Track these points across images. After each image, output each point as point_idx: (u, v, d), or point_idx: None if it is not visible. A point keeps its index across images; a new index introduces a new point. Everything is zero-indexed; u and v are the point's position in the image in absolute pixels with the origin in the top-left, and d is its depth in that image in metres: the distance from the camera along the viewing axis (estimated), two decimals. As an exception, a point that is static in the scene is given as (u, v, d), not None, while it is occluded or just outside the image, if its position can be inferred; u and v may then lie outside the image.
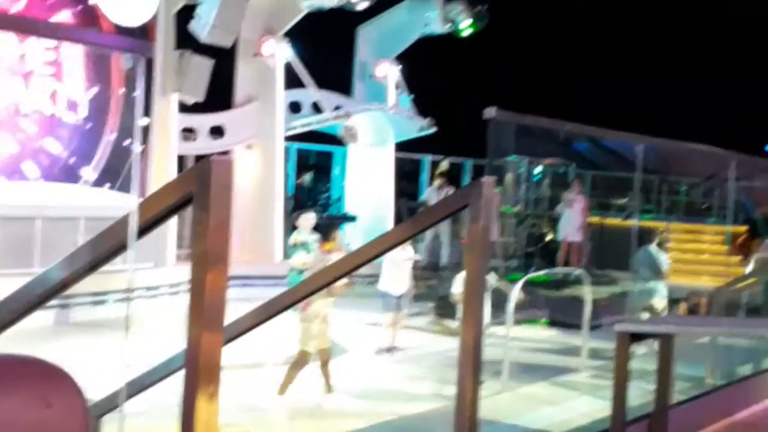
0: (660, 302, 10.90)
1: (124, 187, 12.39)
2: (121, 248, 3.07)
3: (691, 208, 19.59)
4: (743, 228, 15.48)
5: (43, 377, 2.05)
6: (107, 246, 3.14)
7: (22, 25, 11.06)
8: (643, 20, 27.23)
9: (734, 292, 10.26)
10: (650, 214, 17.60)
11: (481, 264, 4.17)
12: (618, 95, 24.63)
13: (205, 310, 2.69)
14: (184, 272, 12.62)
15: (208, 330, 2.69)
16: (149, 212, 2.99)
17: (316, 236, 10.50)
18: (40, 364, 2.07)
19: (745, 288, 10.66)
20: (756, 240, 14.77)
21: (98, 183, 12.36)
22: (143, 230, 2.99)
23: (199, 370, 2.64)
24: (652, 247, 11.37)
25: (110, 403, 3.98)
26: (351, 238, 16.24)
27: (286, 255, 12.03)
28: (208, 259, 2.70)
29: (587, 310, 9.86)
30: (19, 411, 1.93)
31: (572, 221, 16.20)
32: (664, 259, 11.35)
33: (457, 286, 9.53)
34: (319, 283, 4.79)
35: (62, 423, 1.99)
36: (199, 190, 2.73)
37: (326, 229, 9.93)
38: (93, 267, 3.18)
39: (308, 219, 10.64)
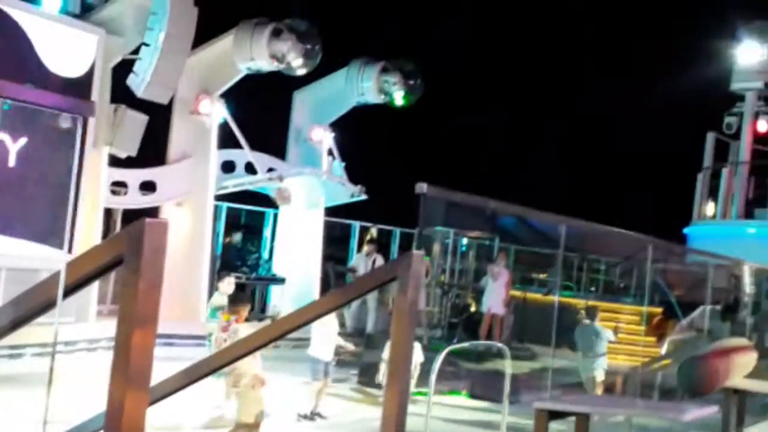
0: (601, 375, 11.18)
1: (50, 240, 12.18)
2: (47, 306, 3.07)
3: (609, 287, 20.10)
4: (659, 309, 15.91)
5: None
6: (33, 303, 3.13)
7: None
8: (565, 110, 28.22)
9: (649, 373, 10.53)
10: (570, 291, 17.98)
11: (408, 336, 4.26)
12: (542, 175, 25.38)
13: (130, 373, 2.68)
14: (103, 328, 12.43)
15: (132, 394, 2.68)
16: (78, 272, 2.99)
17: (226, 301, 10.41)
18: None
19: (660, 369, 10.94)
20: (670, 322, 15.21)
21: (24, 235, 12.13)
22: (70, 290, 2.99)
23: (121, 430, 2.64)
24: (596, 323, 11.74)
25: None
26: (279, 300, 16.17)
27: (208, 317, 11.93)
28: (135, 321, 2.70)
29: (507, 384, 9.98)
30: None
31: (496, 294, 16.44)
32: (609, 334, 11.75)
33: (387, 353, 9.56)
34: (246, 348, 4.80)
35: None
36: (130, 252, 2.74)
37: (235, 299, 9.82)
38: (18, 324, 3.16)
39: (229, 283, 10.57)
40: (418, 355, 10.67)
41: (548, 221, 10.88)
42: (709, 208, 21.37)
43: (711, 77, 21.93)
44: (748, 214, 20.94)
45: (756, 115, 21.29)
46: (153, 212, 15.05)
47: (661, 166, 25.72)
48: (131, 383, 2.67)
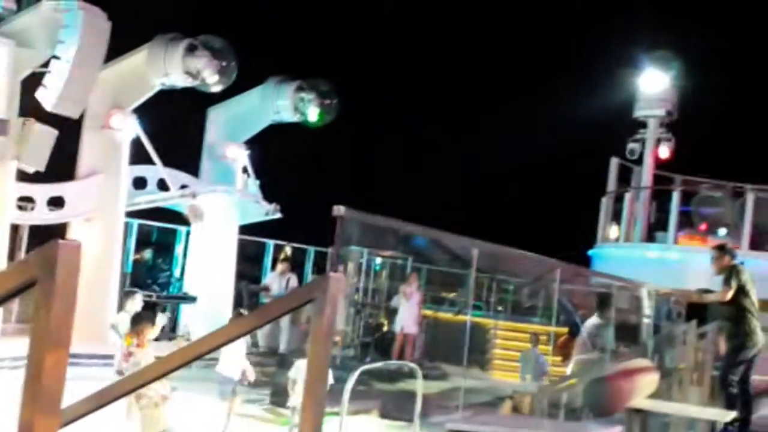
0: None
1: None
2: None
3: (518, 307, 20.53)
4: (565, 329, 16.31)
5: None
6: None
7: None
8: (473, 133, 28.81)
9: (556, 393, 10.80)
10: (480, 310, 18.31)
11: (325, 358, 4.31)
12: (453, 197, 25.84)
13: (42, 396, 2.68)
14: (7, 348, 12.05)
15: (43, 417, 2.68)
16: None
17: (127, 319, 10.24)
18: None
19: (566, 389, 11.23)
20: (576, 341, 15.60)
21: None
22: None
23: (31, 458, 2.62)
24: (537, 349, 11.98)
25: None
26: (190, 319, 15.98)
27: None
28: (48, 344, 2.70)
29: (418, 403, 10.09)
30: None
31: (408, 313, 16.61)
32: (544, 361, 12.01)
33: (295, 371, 9.58)
34: (158, 372, 4.77)
35: None
36: (43, 275, 2.74)
37: (137, 318, 9.58)
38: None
39: (136, 302, 10.41)
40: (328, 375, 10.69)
41: (461, 244, 11.10)
42: (613, 231, 22.05)
43: (616, 103, 22.72)
44: (650, 238, 21.70)
45: (658, 142, 22.10)
46: (61, 228, 14.71)
47: (567, 190, 26.47)
48: (43, 406, 2.66)
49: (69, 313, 2.76)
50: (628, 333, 13.76)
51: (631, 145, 22.13)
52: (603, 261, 20.96)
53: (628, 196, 22.04)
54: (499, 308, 20.11)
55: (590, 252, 22.12)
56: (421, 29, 28.70)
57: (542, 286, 18.58)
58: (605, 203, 22.11)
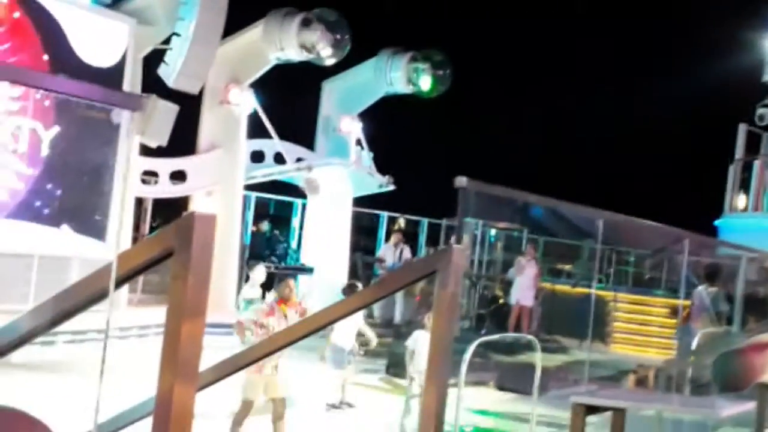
0: None
1: (81, 228, 12.27)
2: (99, 298, 3.09)
3: (639, 279, 19.96)
4: (691, 302, 15.75)
5: (25, 429, 2.07)
6: (84, 295, 3.15)
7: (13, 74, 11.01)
8: (599, 101, 28.01)
9: (681, 366, 10.45)
10: (600, 283, 17.87)
11: (449, 330, 4.24)
12: (575, 167, 25.25)
13: (179, 363, 2.70)
14: (134, 317, 12.50)
15: (181, 383, 2.70)
16: (128, 264, 3.00)
17: (260, 292, 10.43)
18: (21, 416, 2.09)
19: (692, 363, 10.86)
20: (702, 315, 15.06)
21: (55, 222, 12.23)
22: (121, 281, 3.01)
23: (170, 421, 2.66)
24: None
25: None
26: (306, 290, 16.20)
27: (237, 306, 11.98)
28: (185, 313, 2.72)
29: (537, 376, 9.94)
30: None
31: (524, 286, 16.38)
32: None
33: (413, 342, 9.57)
34: (282, 342, 4.80)
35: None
36: (180, 246, 2.75)
37: (280, 284, 9.79)
38: (67, 315, 3.18)
39: (260, 272, 10.60)
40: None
41: (583, 214, 10.81)
42: (741, 201, 21.13)
43: (743, 68, 21.67)
44: (779, 207, 20.67)
45: (786, 108, 20.98)
46: (183, 202, 15.13)
47: (692, 158, 25.51)
48: (181, 373, 2.68)
49: (204, 283, 2.77)
50: (757, 306, 13.20)
51: (760, 111, 21.08)
52: (730, 232, 20.10)
53: (757, 163, 21.03)
54: (620, 280, 19.60)
55: (716, 222, 21.27)
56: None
57: (665, 258, 18.02)
58: (732, 172, 21.16)
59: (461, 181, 5.19)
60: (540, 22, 28.17)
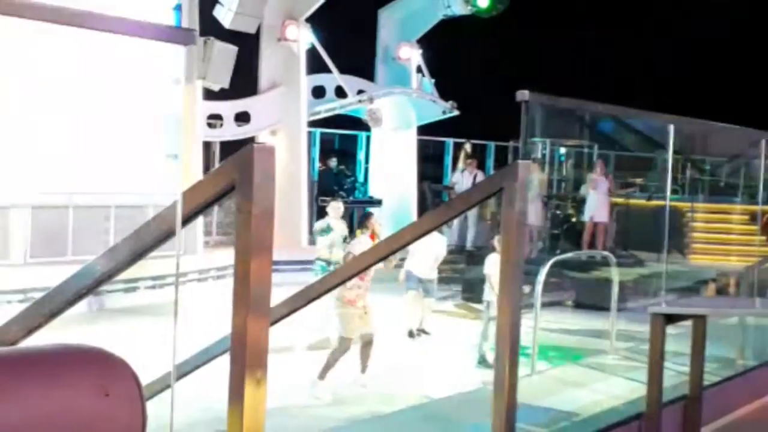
0: None
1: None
2: (167, 236, 3.11)
3: (716, 187, 19.47)
4: (771, 207, 15.34)
5: (102, 366, 2.09)
6: (153, 234, 3.18)
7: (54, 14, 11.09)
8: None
9: (764, 272, 10.20)
10: (675, 194, 17.50)
11: (518, 246, 4.19)
12: (640, 73, 24.45)
13: (251, 297, 2.72)
14: (211, 259, 12.75)
15: (254, 317, 2.73)
16: (193, 201, 3.02)
17: (343, 224, 10.55)
18: (99, 353, 2.11)
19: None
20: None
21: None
22: (187, 219, 3.03)
23: (246, 355, 2.69)
24: None
25: (157, 387, 4.03)
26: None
27: (312, 241, 12.09)
28: (252, 246, 2.73)
29: (614, 292, 9.84)
30: (79, 399, 1.97)
31: (597, 202, 16.14)
32: None
33: (489, 266, 9.55)
34: (356, 268, 4.84)
35: (119, 411, 2.04)
36: (241, 179, 2.75)
37: (361, 218, 9.92)
38: (139, 255, 3.22)
39: (336, 208, 10.67)
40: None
41: (653, 121, 10.50)
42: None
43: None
44: None
45: None
46: (249, 143, 15.21)
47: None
48: (252, 306, 2.71)
49: (268, 214, 2.77)
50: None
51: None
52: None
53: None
54: (696, 189, 19.13)
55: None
56: None
57: (741, 164, 17.51)
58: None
59: (523, 94, 5.07)
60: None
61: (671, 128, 7.40)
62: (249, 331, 2.73)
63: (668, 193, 10.28)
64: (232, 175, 2.85)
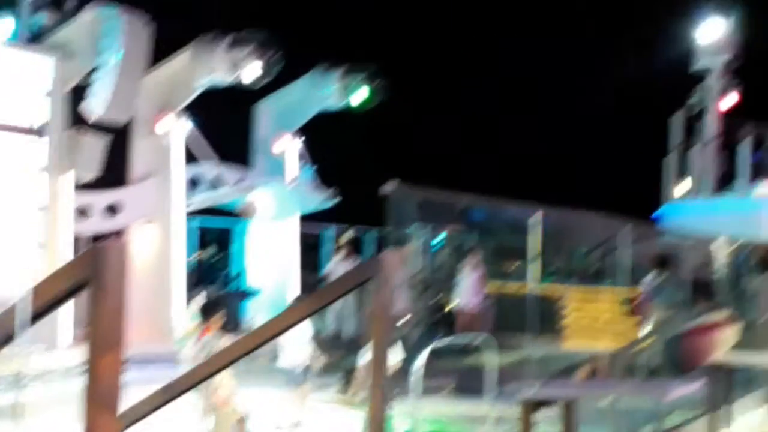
0: None
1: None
2: (11, 335, 2.98)
3: (588, 272, 20.14)
4: (639, 290, 15.94)
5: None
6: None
7: None
8: (531, 99, 28.32)
9: (633, 355, 10.53)
10: (549, 278, 17.99)
11: (386, 336, 4.20)
12: (512, 166, 25.44)
13: (101, 395, 2.64)
14: (78, 354, 12.18)
15: (103, 415, 2.64)
16: (42, 297, 2.92)
17: (196, 317, 10.30)
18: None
19: (644, 350, 10.94)
20: (652, 302, 15.23)
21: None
22: (37, 316, 2.92)
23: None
24: None
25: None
26: (254, 314, 16.03)
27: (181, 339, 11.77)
28: (103, 344, 2.66)
29: (490, 377, 9.93)
30: None
31: (470, 289, 16.42)
32: None
33: (364, 354, 9.51)
34: (220, 364, 4.70)
35: None
36: (93, 276, 2.68)
37: (208, 309, 9.63)
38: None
39: (196, 302, 10.45)
40: (398, 354, 10.62)
41: (521, 210, 10.87)
42: (681, 187, 21.46)
43: (674, 56, 22.09)
44: (720, 191, 21.05)
45: (722, 90, 21.44)
46: (121, 235, 14.85)
47: (632, 149, 25.89)
48: (102, 405, 2.62)
49: (120, 311, 2.72)
50: (704, 288, 13.38)
51: (694, 97, 21.51)
52: (673, 219, 20.39)
53: (694, 149, 21.41)
54: (568, 275, 19.75)
55: (660, 210, 21.56)
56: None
57: (612, 249, 18.19)
58: (671, 160, 21.49)
59: (388, 187, 5.15)
60: (470, 19, 28.41)
61: (538, 216, 7.67)
62: (98, 430, 2.64)
63: (530, 277, 10.54)
64: (83, 272, 2.79)
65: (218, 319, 8.68)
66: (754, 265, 14.87)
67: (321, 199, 18.00)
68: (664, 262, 13.40)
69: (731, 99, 21.41)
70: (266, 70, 15.65)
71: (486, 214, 18.76)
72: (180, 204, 15.44)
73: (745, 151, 19.74)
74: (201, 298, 10.50)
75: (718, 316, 10.01)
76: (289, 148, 18.01)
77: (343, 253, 18.10)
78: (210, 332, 8.50)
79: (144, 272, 14.19)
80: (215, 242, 18.80)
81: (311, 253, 20.91)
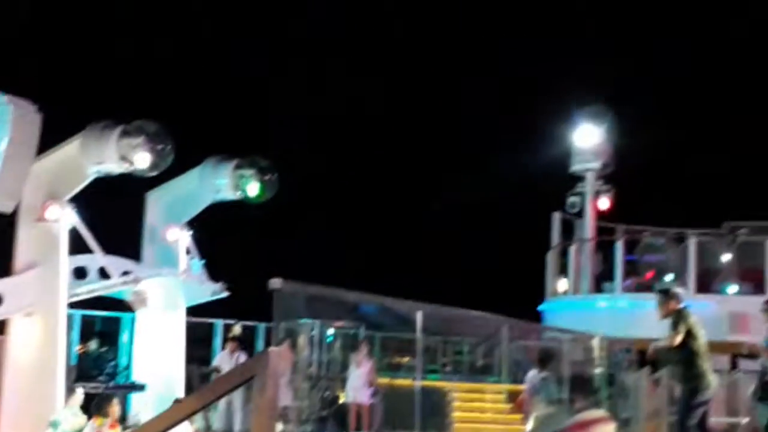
0: None
1: None
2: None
3: (473, 367, 20.45)
4: (522, 387, 16.27)
5: None
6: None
7: None
8: (418, 199, 29.02)
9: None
10: (436, 373, 18.19)
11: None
12: (402, 263, 25.86)
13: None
14: None
15: None
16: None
17: (81, 418, 10.02)
18: None
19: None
20: (534, 398, 15.56)
21: None
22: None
23: None
24: None
25: None
26: (140, 408, 15.57)
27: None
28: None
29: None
30: None
31: (360, 383, 16.43)
32: None
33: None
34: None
35: None
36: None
37: (100, 403, 9.44)
38: None
39: (76, 397, 10.18)
40: None
41: (406, 308, 11.08)
42: (561, 285, 22.25)
43: (555, 159, 23.15)
44: (598, 288, 21.92)
45: (597, 194, 22.53)
46: (1, 325, 14.34)
47: (514, 247, 26.70)
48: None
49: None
50: (583, 384, 13.80)
51: (571, 199, 22.52)
52: (554, 315, 21.06)
53: (573, 249, 22.31)
54: (455, 369, 20.02)
55: (541, 306, 22.24)
56: (352, 98, 29.10)
57: (495, 344, 18.57)
58: (551, 258, 22.34)
59: (275, 283, 5.26)
60: (357, 122, 29.13)
61: (419, 314, 7.89)
62: None
63: (418, 371, 10.69)
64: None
65: (115, 406, 8.48)
66: (631, 362, 15.45)
67: (211, 292, 17.81)
68: (546, 358, 13.80)
69: (606, 201, 22.53)
70: (157, 160, 15.60)
71: (375, 309, 18.92)
72: (64, 295, 15.03)
73: (619, 251, 20.73)
74: (78, 395, 10.22)
75: (596, 413, 10.34)
76: (179, 239, 17.84)
77: (231, 346, 17.90)
78: (115, 426, 8.29)
79: (25, 365, 13.67)
80: (101, 334, 18.26)
81: (200, 345, 20.55)
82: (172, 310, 17.55)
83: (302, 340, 17.59)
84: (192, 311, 18.43)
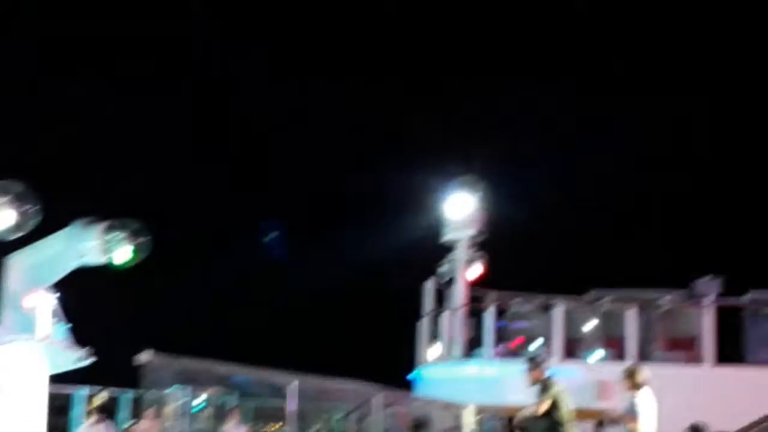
0: None
1: None
2: None
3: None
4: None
5: None
6: None
7: None
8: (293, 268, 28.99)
9: None
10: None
11: None
12: (277, 332, 25.65)
13: None
14: None
15: None
16: None
17: None
18: None
19: None
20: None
21: None
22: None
23: None
24: None
25: None
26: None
27: None
28: None
29: None
30: None
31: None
32: None
33: None
34: None
35: None
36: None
37: None
38: None
39: None
40: None
41: (282, 375, 10.99)
42: (433, 351, 22.51)
43: (427, 228, 23.60)
44: (469, 355, 22.28)
45: (468, 261, 23.04)
46: None
47: (387, 316, 26.94)
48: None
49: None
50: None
51: (443, 267, 22.93)
52: (426, 381, 21.22)
53: (444, 315, 22.65)
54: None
55: (413, 373, 22.39)
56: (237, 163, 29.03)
57: (368, 412, 18.55)
58: (424, 324, 22.60)
59: (144, 355, 5.13)
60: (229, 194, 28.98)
61: (294, 384, 7.84)
62: None
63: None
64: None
65: None
66: (500, 430, 15.69)
67: (74, 359, 17.12)
68: (418, 426, 13.87)
69: (477, 269, 23.09)
70: (21, 222, 15.03)
71: (247, 378, 18.62)
72: None
73: (489, 318, 21.19)
74: None
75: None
76: (42, 303, 17.14)
77: (95, 417, 17.20)
78: None
79: None
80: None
81: (60, 416, 19.65)
82: (33, 378, 16.75)
83: (169, 409, 17.08)
84: (54, 378, 17.63)
